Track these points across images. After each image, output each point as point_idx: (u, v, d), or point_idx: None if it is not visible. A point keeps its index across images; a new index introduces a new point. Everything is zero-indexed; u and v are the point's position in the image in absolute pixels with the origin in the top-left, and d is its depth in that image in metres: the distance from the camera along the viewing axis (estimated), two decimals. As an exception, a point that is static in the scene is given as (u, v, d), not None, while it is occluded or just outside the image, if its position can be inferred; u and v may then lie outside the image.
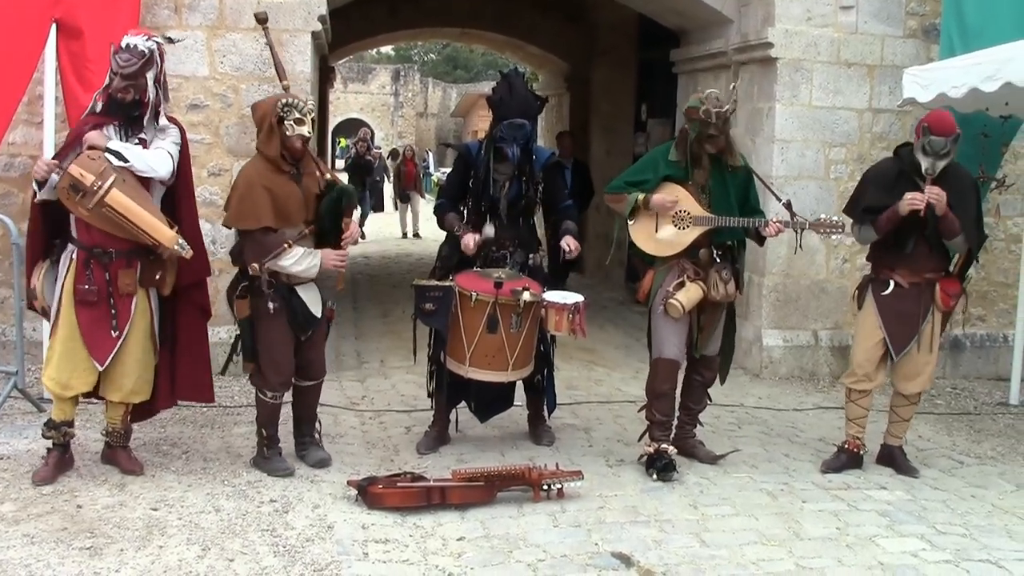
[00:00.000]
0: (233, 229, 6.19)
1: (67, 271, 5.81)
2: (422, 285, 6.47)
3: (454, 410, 6.96)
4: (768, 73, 9.33)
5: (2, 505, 5.54)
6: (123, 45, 5.79)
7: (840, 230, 6.44)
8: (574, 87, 16.84)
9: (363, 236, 20.91)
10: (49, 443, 6.01)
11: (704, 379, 6.73)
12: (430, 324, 6.54)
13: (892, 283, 6.45)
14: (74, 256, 5.81)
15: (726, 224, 6.31)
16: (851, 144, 9.40)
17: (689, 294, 6.28)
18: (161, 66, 5.94)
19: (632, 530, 5.50)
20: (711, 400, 6.95)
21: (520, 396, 7.10)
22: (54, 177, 5.64)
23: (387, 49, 59.31)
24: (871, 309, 6.53)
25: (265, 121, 5.94)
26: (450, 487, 5.73)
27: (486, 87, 32.58)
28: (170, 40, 6.34)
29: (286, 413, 6.41)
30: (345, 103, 55.07)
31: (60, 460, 6.01)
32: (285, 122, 5.86)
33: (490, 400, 6.96)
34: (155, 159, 5.85)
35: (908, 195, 6.19)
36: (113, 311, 5.81)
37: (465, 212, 6.87)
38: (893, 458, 6.71)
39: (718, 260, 6.42)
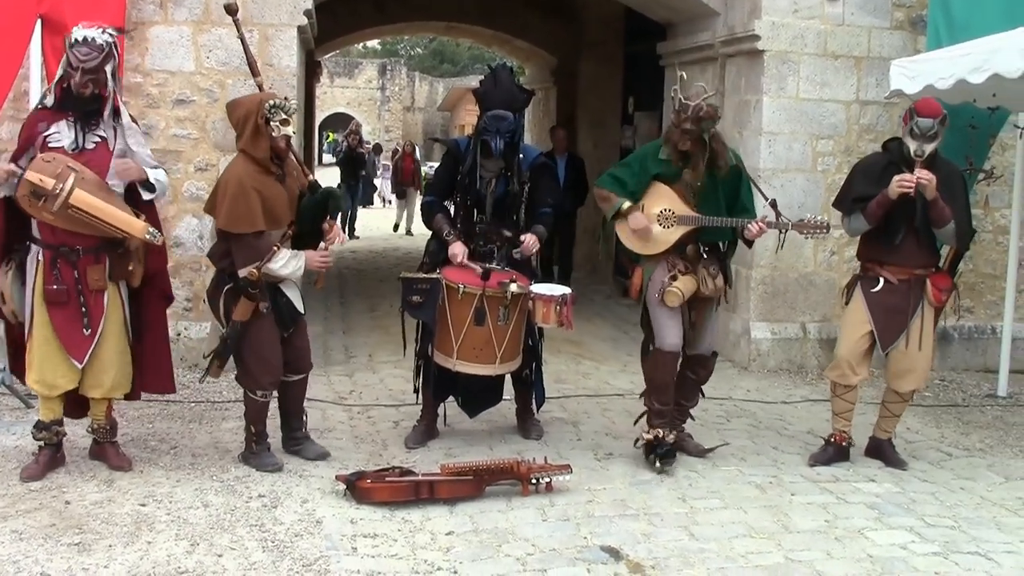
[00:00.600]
0: (211, 229, 6.17)
1: (35, 272, 5.76)
2: (409, 278, 6.47)
3: (442, 404, 6.95)
4: (755, 66, 9.33)
5: (-10, 502, 5.54)
6: (80, 38, 5.67)
7: (824, 231, 6.43)
8: (561, 81, 16.83)
9: (353, 234, 20.75)
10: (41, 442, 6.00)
11: (698, 377, 6.73)
12: (417, 317, 6.53)
13: (882, 280, 6.44)
14: (40, 257, 5.74)
15: (710, 224, 6.30)
16: (838, 136, 9.41)
17: (686, 283, 6.28)
18: (119, 59, 5.89)
19: (621, 523, 5.50)
20: (703, 396, 6.96)
21: (508, 390, 7.09)
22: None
23: (374, 43, 59.16)
24: (859, 304, 6.52)
25: (250, 121, 5.89)
26: (439, 481, 5.72)
27: (473, 81, 32.57)
28: (121, 31, 6.27)
29: (272, 408, 6.39)
30: (332, 97, 54.99)
31: (52, 459, 6.00)
32: (271, 123, 5.84)
33: (479, 394, 6.95)
34: (163, 181, 5.98)
35: (897, 177, 6.17)
36: (84, 309, 5.77)
37: (452, 207, 6.86)
38: (881, 450, 6.72)
39: (705, 256, 6.42)
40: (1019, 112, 8.39)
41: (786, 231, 6.43)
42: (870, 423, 6.89)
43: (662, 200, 6.36)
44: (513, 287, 6.28)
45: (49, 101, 5.81)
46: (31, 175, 5.46)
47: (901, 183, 6.14)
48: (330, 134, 56.91)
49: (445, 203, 6.88)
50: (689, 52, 10.41)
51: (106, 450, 6.16)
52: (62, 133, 5.73)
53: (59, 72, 5.79)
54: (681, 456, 6.55)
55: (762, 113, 9.24)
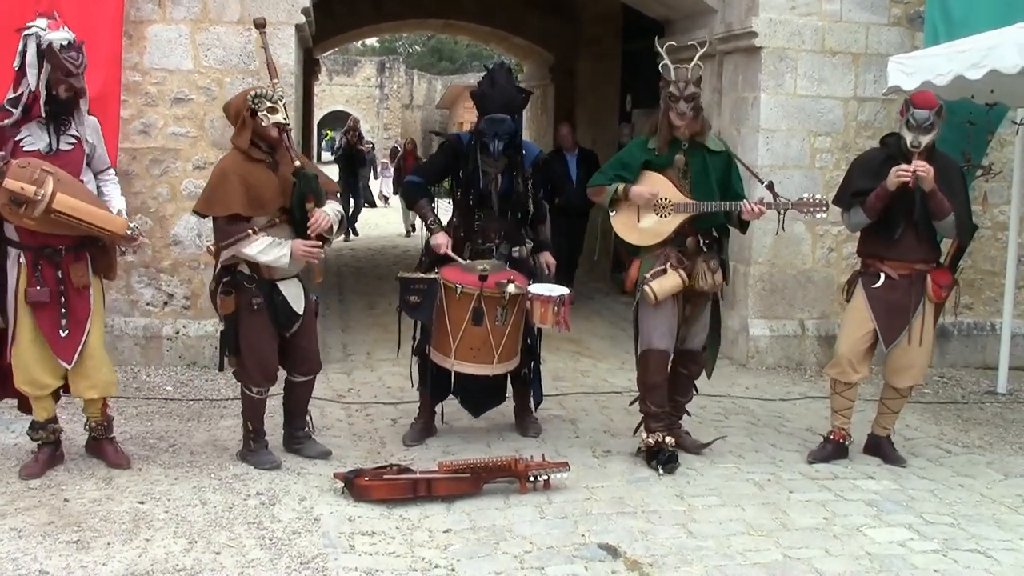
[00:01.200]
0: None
1: (17, 275, 5.72)
2: (407, 277, 6.46)
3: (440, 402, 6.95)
4: (752, 62, 9.33)
5: (-12, 500, 5.54)
6: (66, 43, 5.59)
7: (824, 208, 6.40)
8: (559, 78, 16.82)
9: (355, 233, 20.49)
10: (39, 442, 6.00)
11: (690, 372, 6.72)
12: (415, 316, 6.53)
13: (883, 276, 6.44)
14: (22, 259, 5.71)
15: (707, 209, 6.27)
16: (836, 133, 9.40)
17: (664, 283, 6.22)
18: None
19: (619, 521, 5.50)
20: (697, 391, 6.94)
21: (507, 387, 7.08)
22: None
23: (372, 41, 59.17)
24: (861, 301, 6.50)
25: (240, 116, 5.92)
26: (436, 479, 5.73)
27: (471, 79, 32.54)
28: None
29: (272, 406, 6.39)
30: (330, 95, 54.95)
31: (51, 456, 6.00)
32: (258, 113, 5.85)
33: (478, 394, 6.95)
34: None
35: (895, 168, 6.17)
36: (63, 309, 5.74)
37: (452, 204, 6.87)
38: (880, 448, 6.72)
39: (705, 250, 6.40)
40: (1017, 108, 8.39)
41: (785, 211, 6.38)
42: (869, 420, 6.89)
43: (656, 188, 6.33)
44: (511, 287, 6.28)
45: (16, 110, 5.61)
46: (10, 183, 5.38)
47: (899, 173, 6.13)
48: (328, 132, 56.88)
49: (430, 189, 6.91)
50: (687, 50, 10.36)
51: (104, 447, 6.15)
52: (35, 136, 5.66)
53: (40, 78, 5.59)
54: (679, 453, 6.54)
55: (760, 110, 9.24)
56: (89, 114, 5.96)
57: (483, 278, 6.30)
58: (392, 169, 27.51)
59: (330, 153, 48.44)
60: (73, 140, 5.78)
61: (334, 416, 7.40)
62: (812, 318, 9.53)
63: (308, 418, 6.53)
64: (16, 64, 5.68)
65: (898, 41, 9.33)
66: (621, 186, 6.33)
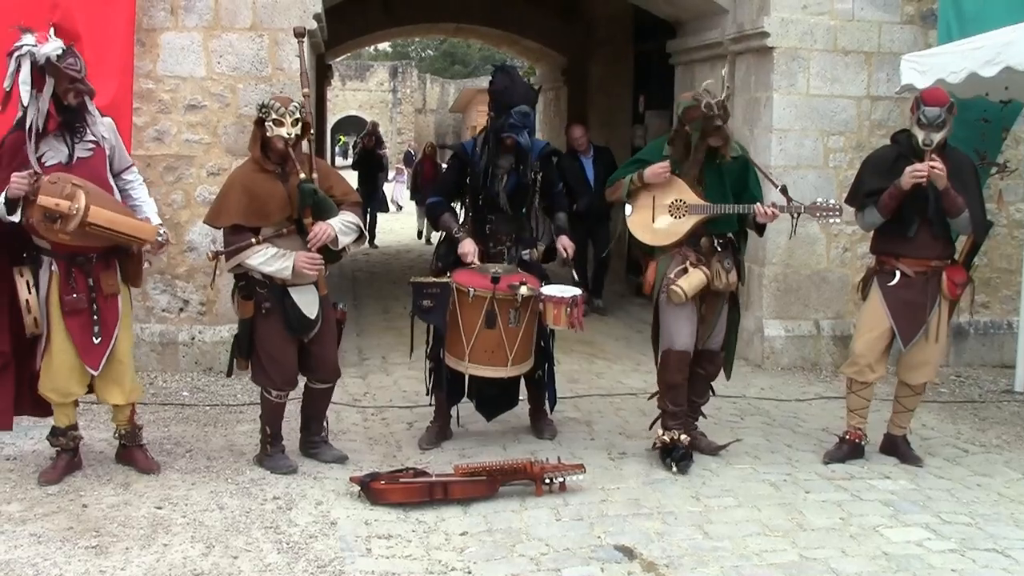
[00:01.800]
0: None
1: (49, 282, 5.75)
2: (420, 282, 6.48)
3: (455, 406, 6.97)
4: (765, 62, 9.32)
5: (9, 505, 5.57)
6: (60, 51, 5.55)
7: (838, 213, 6.41)
8: (572, 80, 16.82)
9: (373, 243, 19.30)
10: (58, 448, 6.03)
11: (707, 373, 6.71)
12: (428, 321, 6.54)
13: (898, 273, 6.42)
14: (54, 267, 5.73)
15: (721, 212, 6.28)
16: (849, 132, 9.38)
17: (691, 279, 6.24)
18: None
19: (635, 522, 5.50)
20: (714, 392, 6.94)
21: (521, 390, 7.09)
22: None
23: (385, 46, 59.37)
24: (877, 299, 6.49)
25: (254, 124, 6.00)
26: (452, 482, 5.73)
27: (484, 82, 32.48)
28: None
29: (290, 411, 6.41)
30: (344, 101, 55.16)
31: (69, 463, 6.04)
32: (265, 123, 5.87)
33: (493, 397, 6.96)
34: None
35: (910, 168, 6.15)
36: (95, 316, 5.78)
37: (462, 211, 6.88)
38: (897, 447, 6.70)
39: (719, 249, 6.41)
40: (1031, 105, 8.36)
41: (798, 215, 6.39)
42: (884, 420, 6.87)
43: (672, 191, 6.33)
44: (523, 289, 6.28)
45: (40, 124, 5.58)
46: (44, 200, 5.39)
47: (914, 174, 6.11)
48: (341, 137, 57.01)
49: (452, 204, 6.90)
50: (699, 50, 10.40)
51: (134, 454, 6.19)
52: (54, 149, 5.67)
53: (45, 93, 5.55)
54: (695, 454, 6.54)
55: (772, 110, 9.23)
56: (102, 115, 5.97)
57: (495, 281, 6.31)
58: (407, 175, 27.37)
59: (343, 158, 48.48)
60: (91, 145, 5.80)
61: (350, 420, 7.41)
62: (827, 318, 9.51)
63: (324, 423, 6.55)
64: (7, 85, 5.60)
65: (911, 39, 9.30)
66: (635, 175, 6.34)
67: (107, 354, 5.83)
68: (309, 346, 6.20)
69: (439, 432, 6.86)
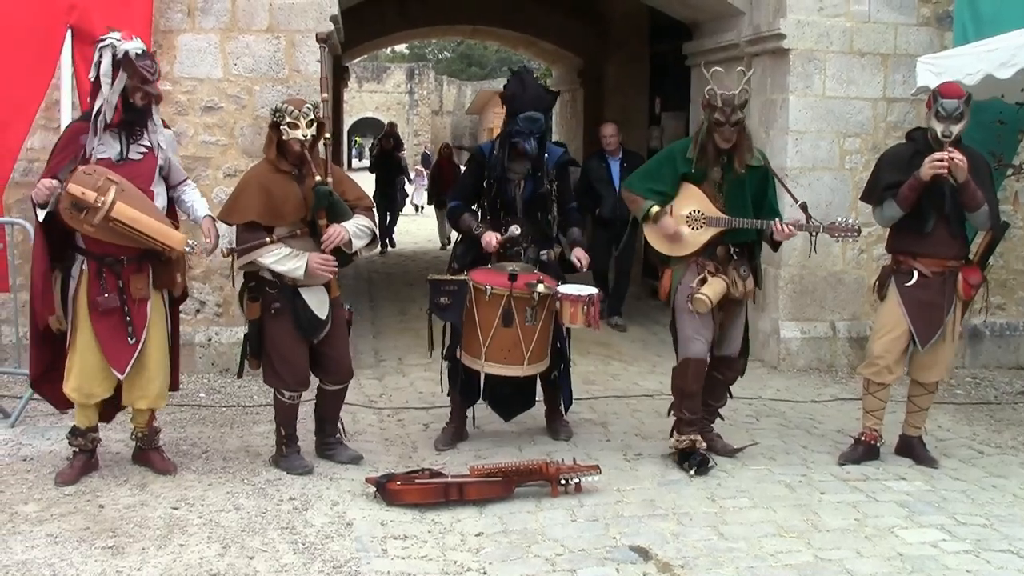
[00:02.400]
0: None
1: (79, 282, 5.80)
2: (437, 279, 6.50)
3: (471, 406, 6.98)
4: (781, 64, 9.31)
5: (26, 505, 5.60)
6: (140, 51, 5.69)
7: (856, 234, 6.41)
8: (588, 82, 16.80)
9: (391, 245, 19.51)
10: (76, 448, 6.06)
11: (725, 378, 6.72)
12: (444, 318, 6.56)
13: (916, 273, 6.41)
14: (85, 267, 5.78)
15: (739, 225, 6.30)
16: (865, 134, 9.37)
17: (715, 287, 6.26)
18: None
19: (650, 523, 5.51)
20: (732, 396, 6.95)
21: (537, 391, 7.10)
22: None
23: (401, 48, 59.51)
24: (894, 300, 6.47)
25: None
26: (468, 483, 5.75)
27: (501, 84, 32.40)
28: None
29: (305, 412, 6.44)
30: (360, 102, 55.23)
31: (86, 464, 6.06)
32: (280, 127, 5.91)
33: (507, 396, 6.97)
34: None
35: (930, 157, 6.12)
36: (128, 318, 5.81)
37: (480, 212, 6.90)
38: (912, 448, 6.69)
39: (735, 257, 6.41)
40: (1048, 106, 8.32)
41: (817, 233, 6.40)
42: (899, 421, 6.86)
43: (691, 201, 6.35)
44: (540, 287, 6.30)
45: (109, 117, 5.68)
46: (72, 188, 5.45)
47: (934, 163, 6.09)
48: (357, 139, 57.14)
49: (472, 207, 6.92)
50: (715, 52, 10.39)
51: (150, 456, 6.22)
52: (106, 144, 5.75)
53: (116, 87, 5.65)
54: (710, 456, 6.54)
55: (788, 112, 9.22)
56: (164, 127, 6.05)
57: (512, 279, 6.32)
58: (426, 178, 27.28)
59: (359, 160, 48.54)
60: (144, 149, 5.85)
61: (366, 421, 7.44)
62: (843, 320, 9.49)
63: (340, 424, 6.57)
64: (92, 75, 5.76)
65: (927, 41, 9.29)
66: (654, 209, 6.35)
67: (134, 358, 5.85)
68: (321, 348, 6.22)
69: (455, 433, 6.87)
